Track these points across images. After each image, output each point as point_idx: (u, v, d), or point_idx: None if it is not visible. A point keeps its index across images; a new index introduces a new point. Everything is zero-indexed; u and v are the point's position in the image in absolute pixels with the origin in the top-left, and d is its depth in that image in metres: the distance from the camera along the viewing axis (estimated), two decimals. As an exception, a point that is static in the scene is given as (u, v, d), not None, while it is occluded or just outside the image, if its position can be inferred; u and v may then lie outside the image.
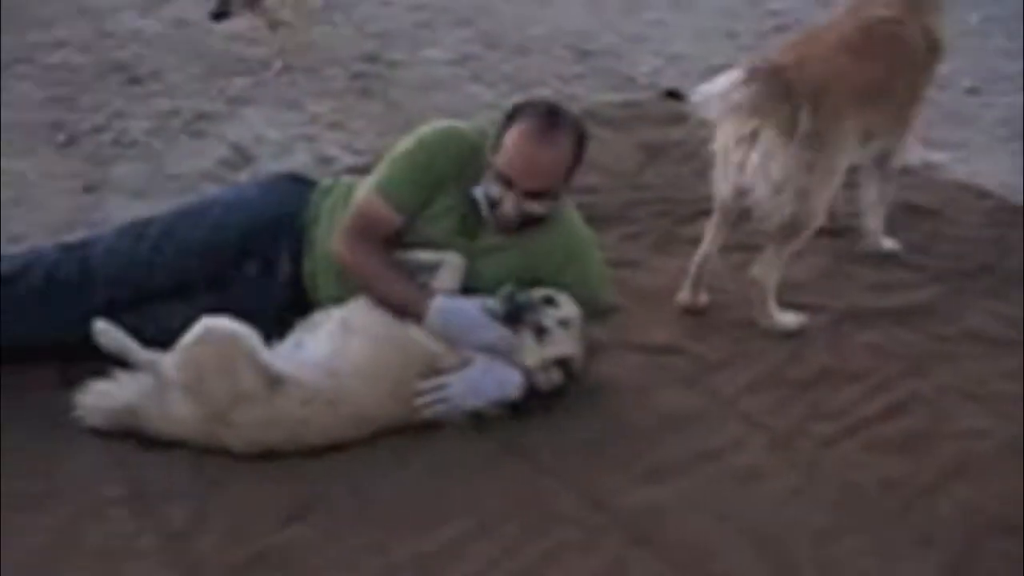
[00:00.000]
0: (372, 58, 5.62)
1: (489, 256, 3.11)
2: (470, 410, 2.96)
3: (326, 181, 3.39)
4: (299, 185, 3.39)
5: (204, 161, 4.54)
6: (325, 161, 4.57)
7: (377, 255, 3.05)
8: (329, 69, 5.50)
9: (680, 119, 4.75)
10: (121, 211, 4.09)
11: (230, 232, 3.19)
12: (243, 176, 4.44)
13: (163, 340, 2.95)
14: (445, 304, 2.96)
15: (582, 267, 3.17)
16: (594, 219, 3.92)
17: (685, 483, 2.86)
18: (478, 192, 3.06)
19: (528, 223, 3.07)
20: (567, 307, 3.01)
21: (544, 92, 5.24)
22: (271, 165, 4.51)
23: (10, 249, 3.81)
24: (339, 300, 3.09)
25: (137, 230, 3.23)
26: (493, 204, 3.04)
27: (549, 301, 3.00)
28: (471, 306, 2.96)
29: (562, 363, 2.99)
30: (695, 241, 3.88)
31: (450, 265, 3.03)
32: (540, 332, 2.95)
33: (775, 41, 5.94)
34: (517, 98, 5.10)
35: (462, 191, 3.12)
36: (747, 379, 3.27)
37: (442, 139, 3.14)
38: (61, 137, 4.66)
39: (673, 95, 5.14)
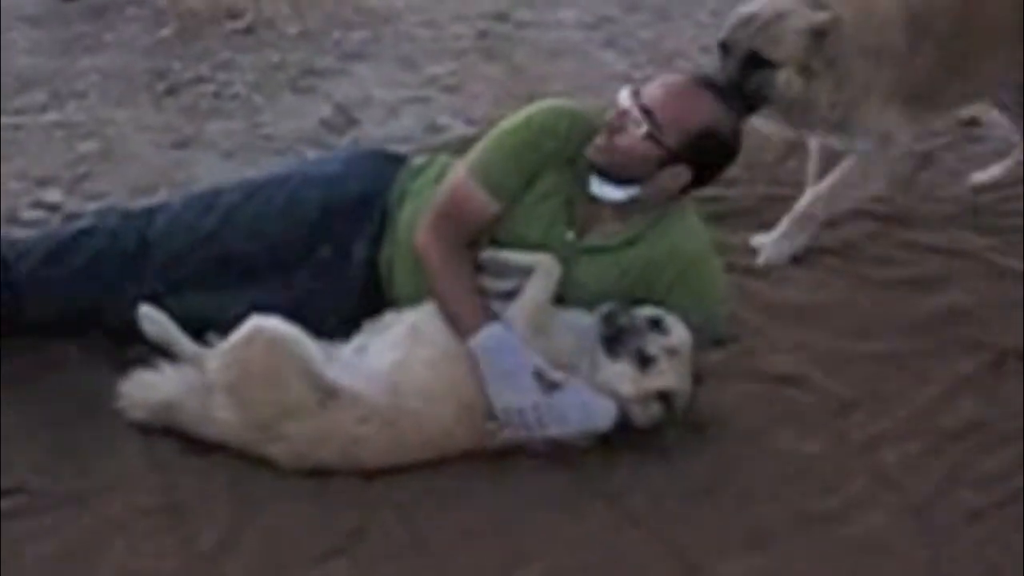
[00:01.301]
0: (501, 16, 5.19)
1: (591, 260, 2.71)
2: (550, 439, 2.56)
3: (418, 160, 3.02)
4: (387, 162, 3.04)
5: (304, 121, 4.21)
6: (434, 129, 4.20)
7: (457, 252, 2.69)
8: (454, 26, 5.11)
9: None
10: (208, 172, 3.81)
11: (305, 209, 2.86)
12: (344, 140, 4.10)
13: (224, 327, 2.65)
14: (492, 342, 2.56)
15: (698, 286, 2.74)
16: (725, 215, 3.49)
17: (795, 550, 2.43)
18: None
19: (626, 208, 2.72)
20: (677, 333, 2.58)
21: (684, 65, 4.75)
22: (375, 130, 4.18)
23: (87, 207, 3.60)
24: (416, 298, 2.72)
25: (205, 201, 2.92)
26: (611, 131, 2.70)
27: (656, 324, 2.57)
28: (520, 361, 2.56)
29: (664, 397, 2.56)
30: (839, 251, 3.41)
31: (543, 271, 2.62)
32: (643, 360, 2.53)
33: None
34: (651, 69, 4.79)
35: (571, 176, 2.72)
36: (882, 425, 2.79)
37: (553, 118, 2.76)
38: (161, 87, 4.38)
39: None
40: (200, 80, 4.45)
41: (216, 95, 4.36)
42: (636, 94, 2.67)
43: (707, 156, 2.68)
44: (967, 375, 2.95)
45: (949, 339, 3.07)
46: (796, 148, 3.99)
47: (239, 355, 2.49)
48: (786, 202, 3.68)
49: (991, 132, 4.11)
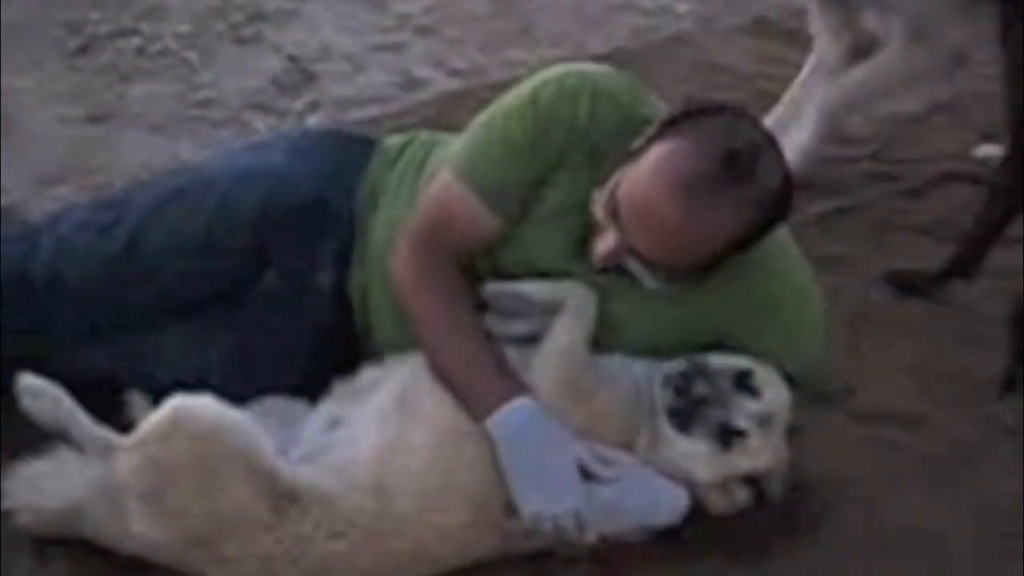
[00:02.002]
0: (483, -62, 4.42)
1: (637, 293, 1.96)
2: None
3: (391, 140, 2.27)
4: (349, 147, 2.28)
5: (251, 80, 3.47)
6: (410, 84, 3.49)
7: (452, 286, 1.97)
8: (429, -49, 4.33)
9: None
10: (132, 151, 3.14)
11: (237, 223, 2.12)
12: (300, 103, 3.39)
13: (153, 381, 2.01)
14: (517, 425, 1.84)
15: (797, 321, 2.01)
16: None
17: None
18: (596, 196, 1.93)
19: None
20: (772, 392, 1.87)
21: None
22: (338, 87, 3.45)
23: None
24: (403, 342, 2.01)
25: (103, 217, 2.16)
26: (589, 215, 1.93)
27: (743, 381, 1.85)
28: (557, 452, 1.84)
29: (753, 480, 1.85)
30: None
31: (575, 306, 1.90)
32: (727, 435, 1.82)
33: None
34: (686, 6, 4.02)
35: (596, 178, 1.96)
36: None
37: (567, 97, 1.98)
38: (73, 44, 3.64)
39: None
40: (121, 33, 3.70)
41: (141, 52, 3.61)
42: (615, 218, 1.87)
43: (760, 235, 1.91)
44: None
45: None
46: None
47: (156, 453, 1.77)
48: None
49: None
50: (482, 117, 2.04)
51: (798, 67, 3.44)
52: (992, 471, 2.14)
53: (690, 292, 1.95)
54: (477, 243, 1.99)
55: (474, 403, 1.86)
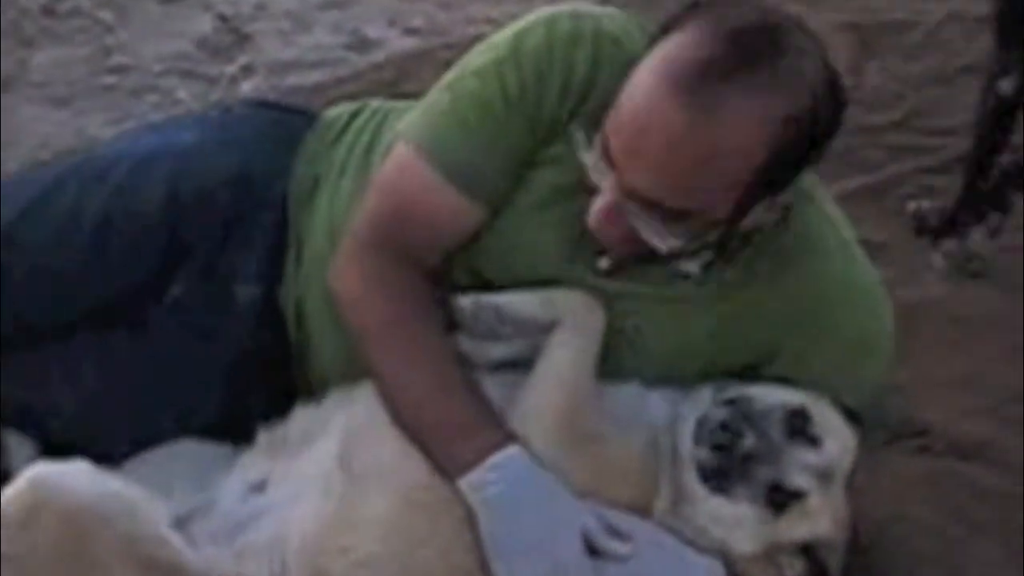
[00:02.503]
0: None
1: (653, 304, 1.52)
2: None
3: (334, 112, 1.82)
4: (282, 121, 1.84)
5: (174, 43, 3.08)
6: (360, 45, 3.11)
7: (415, 303, 1.53)
8: None
9: None
10: (32, 126, 2.79)
11: (137, 219, 1.69)
12: (230, 68, 3.00)
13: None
14: (503, 485, 1.40)
15: (859, 344, 1.56)
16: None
17: None
18: (578, 137, 1.48)
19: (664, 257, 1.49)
20: (834, 439, 1.43)
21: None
22: (276, 50, 3.06)
23: None
24: (348, 371, 1.57)
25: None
26: (588, 190, 1.46)
27: (797, 424, 1.41)
28: (554, 518, 1.39)
29: (809, 548, 1.42)
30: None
31: (574, 322, 1.47)
32: (778, 497, 1.39)
33: None
34: None
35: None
36: None
37: (560, 43, 1.53)
38: (-33, 1, 3.29)
39: None
40: (24, -11, 3.37)
41: (46, 11, 3.20)
42: (607, 158, 1.42)
43: (794, 162, 1.44)
44: None
45: None
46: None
47: (12, 542, 1.31)
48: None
49: None
50: (449, 76, 1.60)
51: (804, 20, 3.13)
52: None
53: (725, 294, 1.52)
54: (446, 239, 1.55)
55: (445, 456, 1.42)
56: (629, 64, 1.46)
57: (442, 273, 1.56)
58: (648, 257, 1.48)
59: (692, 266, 1.50)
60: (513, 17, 3.16)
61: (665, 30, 1.43)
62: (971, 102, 2.82)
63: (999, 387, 1.99)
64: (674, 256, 1.48)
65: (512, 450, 1.40)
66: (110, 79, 2.95)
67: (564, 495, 1.40)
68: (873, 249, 2.20)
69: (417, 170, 1.55)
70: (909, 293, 2.14)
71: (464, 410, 1.44)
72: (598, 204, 1.43)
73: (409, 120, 1.62)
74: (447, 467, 1.41)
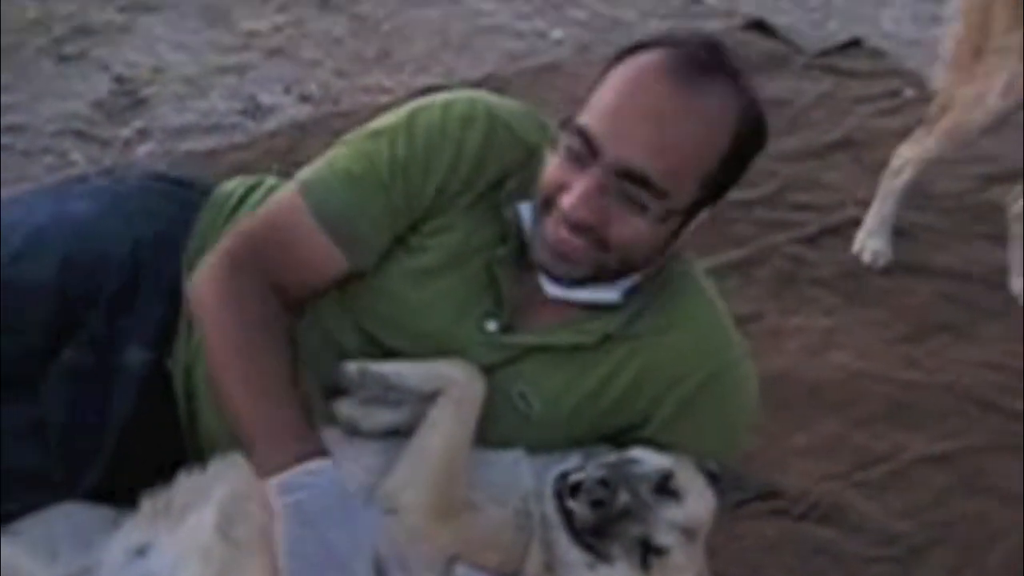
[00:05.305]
0: (340, -49, 4.08)
1: (536, 366, 1.61)
2: None
3: (229, 186, 1.86)
4: (176, 193, 1.87)
5: (71, 104, 3.08)
6: (256, 111, 3.14)
7: (265, 317, 1.58)
8: (278, -36, 3.96)
9: (777, 64, 3.49)
10: None
11: (30, 289, 1.70)
12: (125, 131, 3.01)
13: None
14: (327, 484, 1.47)
15: (725, 412, 1.66)
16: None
17: None
18: (523, 210, 1.58)
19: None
20: (696, 498, 1.52)
21: (579, 14, 3.75)
22: (171, 114, 3.09)
23: None
24: (233, 437, 1.59)
25: None
26: (547, 204, 1.55)
27: (664, 486, 1.50)
28: (362, 541, 1.46)
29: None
30: (836, 282, 2.45)
31: (456, 394, 1.53)
32: (647, 554, 1.47)
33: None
34: (542, 22, 3.76)
35: (489, 223, 1.63)
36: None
37: (454, 121, 1.62)
38: None
39: (760, 27, 3.76)
40: (-85, 44, 3.30)
41: None
42: (590, 146, 1.50)
43: (737, 170, 1.59)
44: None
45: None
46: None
47: None
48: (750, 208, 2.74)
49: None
50: (349, 135, 1.68)
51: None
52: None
53: (605, 364, 1.61)
54: (308, 277, 1.62)
55: (261, 455, 1.48)
56: (526, 148, 1.58)
57: (299, 307, 1.62)
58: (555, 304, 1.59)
59: (613, 294, 1.59)
60: (407, 87, 3.28)
61: (619, 59, 1.53)
62: (838, 178, 2.99)
63: (854, 453, 2.10)
64: (606, 276, 1.58)
65: (323, 463, 1.46)
66: (5, 139, 2.91)
67: (367, 519, 1.46)
68: (741, 321, 2.32)
69: (296, 207, 1.61)
70: (773, 364, 2.25)
71: (286, 420, 1.49)
72: (580, 188, 1.49)
73: (307, 167, 1.69)
74: (260, 467, 1.46)
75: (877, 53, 3.68)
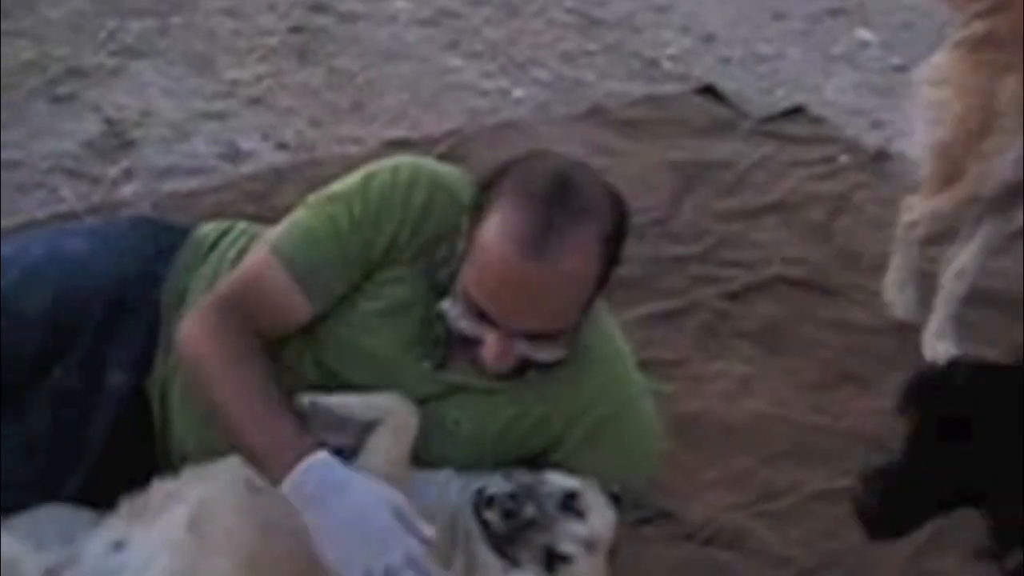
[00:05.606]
0: (319, 7, 4.29)
1: (463, 401, 1.86)
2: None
3: (205, 229, 2.10)
4: (159, 234, 2.11)
5: (63, 143, 3.26)
6: (235, 156, 3.33)
7: (249, 352, 1.83)
8: (261, 17, 4.17)
9: (724, 128, 3.64)
10: None
11: (25, 321, 1.93)
12: (113, 170, 3.19)
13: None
14: (326, 470, 1.71)
15: (626, 441, 1.92)
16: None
17: None
18: (447, 308, 1.80)
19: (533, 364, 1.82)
20: (598, 516, 1.77)
21: (540, 74, 3.97)
22: (156, 156, 3.28)
23: None
24: (204, 450, 1.84)
25: None
26: (466, 342, 1.79)
27: (570, 504, 1.75)
28: (368, 499, 1.69)
29: (574, 608, 1.75)
30: (756, 334, 2.68)
31: (394, 421, 1.77)
32: (552, 561, 1.72)
33: (829, 25, 4.66)
34: (505, 81, 3.99)
35: (425, 279, 1.87)
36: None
37: (402, 186, 1.88)
38: None
39: (711, 92, 3.94)
40: (-82, 81, 3.44)
41: None
42: (487, 318, 1.77)
43: (617, 257, 1.85)
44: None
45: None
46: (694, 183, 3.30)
47: None
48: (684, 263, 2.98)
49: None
50: (312, 197, 1.92)
51: (629, 156, 3.47)
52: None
53: (520, 400, 1.86)
54: (281, 326, 1.86)
55: (270, 466, 1.71)
56: (459, 209, 1.83)
57: (292, 362, 1.86)
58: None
59: (556, 354, 1.83)
60: (378, 138, 3.51)
61: (484, 187, 1.79)
62: (767, 238, 3.22)
63: (760, 487, 2.33)
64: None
65: (320, 455, 1.71)
66: (6, 178, 3.07)
67: (369, 482, 1.70)
68: (665, 366, 2.59)
69: (271, 266, 1.86)
70: (692, 405, 2.49)
71: (279, 431, 1.73)
72: (493, 350, 1.77)
73: (275, 228, 1.94)
74: (271, 474, 1.71)
75: (818, 120, 3.83)
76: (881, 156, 3.67)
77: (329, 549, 1.66)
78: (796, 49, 4.44)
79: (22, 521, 1.76)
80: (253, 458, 1.75)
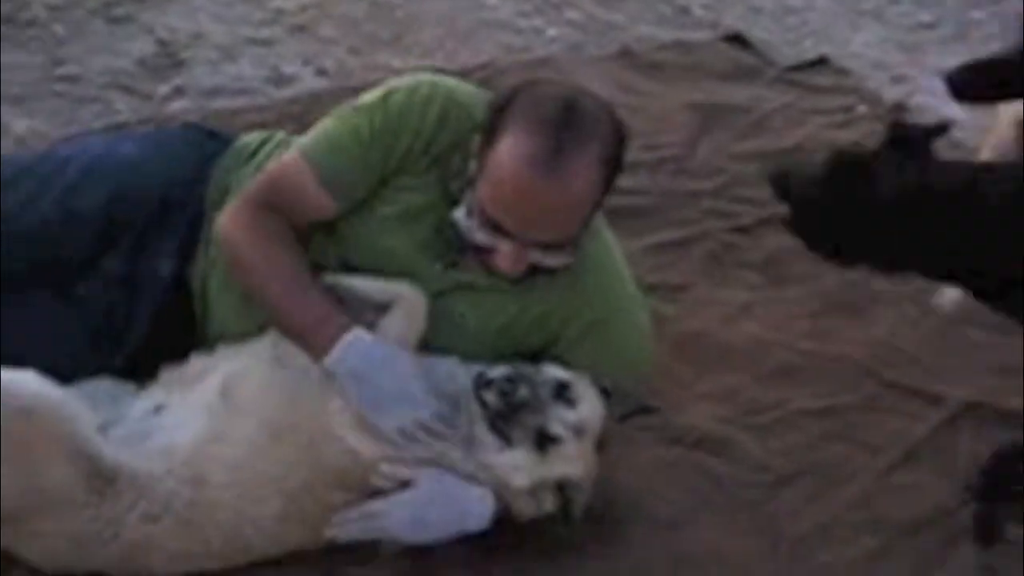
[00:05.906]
0: (366, -60, 4.43)
1: (470, 298, 2.06)
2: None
3: (246, 139, 2.30)
4: (203, 143, 2.32)
5: (118, 60, 3.44)
6: (278, 79, 3.49)
7: (285, 239, 2.03)
8: (309, -52, 4.32)
9: (748, 75, 3.73)
10: None
11: (85, 207, 2.15)
12: (165, 88, 3.37)
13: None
14: (363, 346, 1.92)
15: (617, 340, 2.12)
16: (619, 215, 2.86)
17: None
18: (459, 218, 1.99)
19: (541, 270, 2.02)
20: (587, 405, 1.97)
21: (574, 15, 4.09)
22: (205, 76, 3.45)
23: None
24: (238, 331, 2.05)
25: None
26: (480, 250, 1.97)
27: (562, 393, 1.94)
28: (406, 365, 1.93)
29: (562, 486, 1.94)
30: (760, 265, 2.83)
31: (404, 307, 1.97)
32: (543, 441, 1.91)
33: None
34: (540, 20, 4.11)
35: (439, 186, 2.06)
36: (824, 511, 2.23)
37: (419, 101, 2.08)
38: (-67, 3, 3.56)
39: (739, 40, 4.02)
40: (-12, -3, 3.61)
41: (9, 20, 3.53)
42: (502, 229, 1.96)
43: (618, 172, 2.04)
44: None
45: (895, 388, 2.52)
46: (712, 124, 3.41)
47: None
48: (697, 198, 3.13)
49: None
50: (337, 110, 2.12)
51: (652, 96, 3.59)
52: (797, 501, 2.26)
53: (521, 299, 2.05)
54: (307, 219, 2.06)
55: (308, 348, 1.94)
56: (474, 126, 2.00)
57: (320, 256, 2.06)
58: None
59: (565, 260, 2.02)
60: (413, 66, 3.64)
61: (495, 110, 1.97)
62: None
63: (749, 402, 2.49)
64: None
65: (357, 331, 1.92)
66: (59, 86, 3.26)
67: (405, 356, 1.93)
68: (671, 290, 2.75)
69: (300, 167, 2.06)
70: (692, 325, 2.65)
71: (315, 309, 1.95)
72: (508, 258, 1.97)
73: (305, 135, 2.13)
74: (312, 355, 1.92)
75: (841, 71, 3.87)
76: (899, 108, 3.74)
77: (370, 414, 1.90)
78: (826, 1, 4.50)
79: (79, 389, 1.97)
80: (292, 335, 1.97)
